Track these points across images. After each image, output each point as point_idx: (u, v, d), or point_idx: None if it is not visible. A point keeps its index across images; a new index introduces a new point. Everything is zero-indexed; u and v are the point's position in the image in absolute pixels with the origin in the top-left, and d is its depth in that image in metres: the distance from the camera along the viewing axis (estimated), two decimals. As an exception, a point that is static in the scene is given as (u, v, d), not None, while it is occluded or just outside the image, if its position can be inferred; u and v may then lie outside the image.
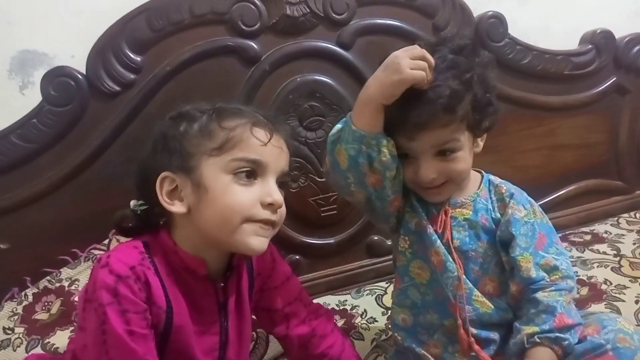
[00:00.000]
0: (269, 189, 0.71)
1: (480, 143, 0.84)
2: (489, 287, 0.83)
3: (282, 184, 0.75)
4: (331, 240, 1.24)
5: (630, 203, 1.53)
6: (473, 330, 0.81)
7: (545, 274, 0.79)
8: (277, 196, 0.72)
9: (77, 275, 1.00)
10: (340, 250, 1.25)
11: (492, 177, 0.88)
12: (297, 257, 1.22)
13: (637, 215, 1.48)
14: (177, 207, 0.71)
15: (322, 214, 1.22)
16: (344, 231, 1.25)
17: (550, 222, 0.86)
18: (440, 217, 0.83)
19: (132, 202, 0.76)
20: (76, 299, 0.96)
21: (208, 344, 0.75)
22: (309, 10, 1.15)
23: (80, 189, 1.06)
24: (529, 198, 0.86)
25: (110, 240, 1.01)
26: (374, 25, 1.22)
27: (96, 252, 1.00)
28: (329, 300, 1.15)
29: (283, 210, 0.74)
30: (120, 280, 0.65)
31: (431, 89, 0.74)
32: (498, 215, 0.83)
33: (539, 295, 0.78)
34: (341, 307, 1.12)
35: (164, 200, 0.71)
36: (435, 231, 0.83)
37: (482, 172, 0.89)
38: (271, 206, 0.71)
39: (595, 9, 1.54)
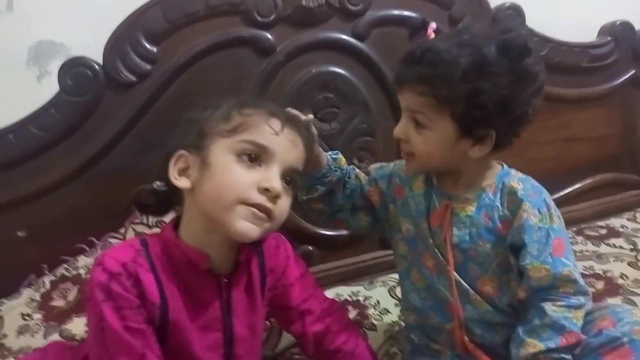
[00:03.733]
0: (270, 175, 0.70)
1: (478, 150, 0.76)
2: (488, 287, 0.79)
3: (290, 181, 0.74)
4: (344, 232, 1.23)
5: (646, 197, 1.52)
6: (477, 331, 0.80)
7: (558, 284, 0.74)
8: (276, 183, 0.70)
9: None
10: (353, 241, 1.25)
11: (513, 171, 0.82)
12: (310, 247, 1.22)
13: (654, 209, 1.46)
14: (182, 182, 0.72)
15: (336, 206, 1.22)
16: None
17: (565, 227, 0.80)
18: (441, 212, 0.81)
19: (156, 183, 0.77)
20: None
21: (210, 340, 0.75)
22: (324, 1, 1.15)
23: (95, 180, 1.07)
24: (547, 199, 0.79)
25: (126, 229, 1.01)
26: (389, 17, 1.21)
27: (112, 240, 1.01)
28: (342, 292, 1.15)
29: (283, 204, 0.72)
30: (112, 278, 0.66)
31: (432, 53, 0.73)
32: (506, 212, 0.78)
33: (548, 307, 0.74)
34: (354, 299, 1.12)
35: (172, 175, 0.72)
36: (434, 226, 0.81)
37: (504, 165, 0.83)
38: (267, 192, 0.69)
39: (610, 1, 1.51)
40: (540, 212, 0.77)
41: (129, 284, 0.67)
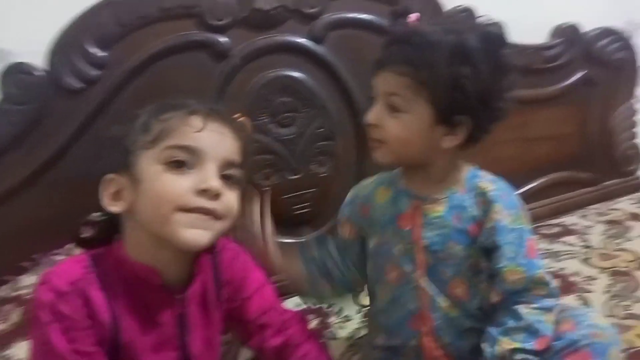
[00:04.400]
0: (205, 175, 0.66)
1: (449, 141, 0.76)
2: (459, 290, 0.78)
3: (228, 176, 0.69)
4: (303, 239, 1.21)
5: (599, 194, 1.56)
6: (446, 339, 0.79)
7: (531, 286, 0.74)
8: (214, 182, 0.66)
9: (37, 283, 0.96)
10: (315, 247, 1.24)
11: (482, 172, 0.82)
12: (271, 255, 1.20)
13: (606, 206, 1.50)
14: (116, 207, 0.69)
15: (295, 212, 1.21)
16: (317, 228, 1.24)
17: None
18: (410, 213, 0.80)
19: (93, 214, 0.74)
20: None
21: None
22: (279, 4, 1.13)
23: (47, 189, 1.03)
24: (516, 200, 0.79)
25: (72, 245, 0.97)
26: (345, 19, 1.20)
27: (57, 257, 0.96)
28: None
29: (229, 200, 0.68)
30: (60, 297, 0.63)
31: (418, 36, 0.73)
32: (477, 213, 0.77)
33: (522, 310, 0.73)
34: (317, 306, 1.11)
35: (106, 202, 0.69)
36: (403, 229, 0.80)
37: (472, 166, 0.83)
38: (206, 192, 0.66)
39: (566, 3, 1.55)
40: (512, 214, 0.77)
41: (79, 304, 0.64)
